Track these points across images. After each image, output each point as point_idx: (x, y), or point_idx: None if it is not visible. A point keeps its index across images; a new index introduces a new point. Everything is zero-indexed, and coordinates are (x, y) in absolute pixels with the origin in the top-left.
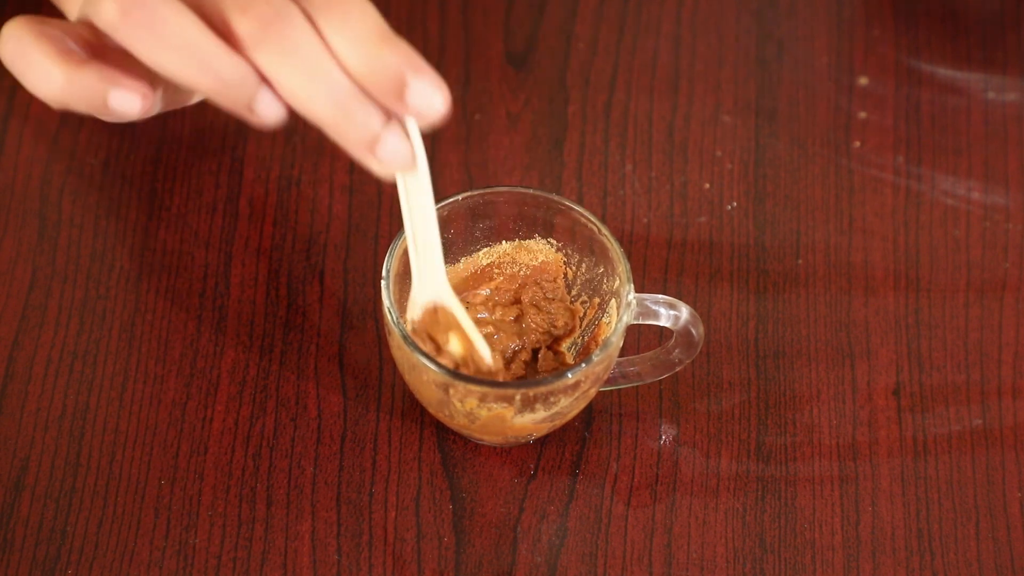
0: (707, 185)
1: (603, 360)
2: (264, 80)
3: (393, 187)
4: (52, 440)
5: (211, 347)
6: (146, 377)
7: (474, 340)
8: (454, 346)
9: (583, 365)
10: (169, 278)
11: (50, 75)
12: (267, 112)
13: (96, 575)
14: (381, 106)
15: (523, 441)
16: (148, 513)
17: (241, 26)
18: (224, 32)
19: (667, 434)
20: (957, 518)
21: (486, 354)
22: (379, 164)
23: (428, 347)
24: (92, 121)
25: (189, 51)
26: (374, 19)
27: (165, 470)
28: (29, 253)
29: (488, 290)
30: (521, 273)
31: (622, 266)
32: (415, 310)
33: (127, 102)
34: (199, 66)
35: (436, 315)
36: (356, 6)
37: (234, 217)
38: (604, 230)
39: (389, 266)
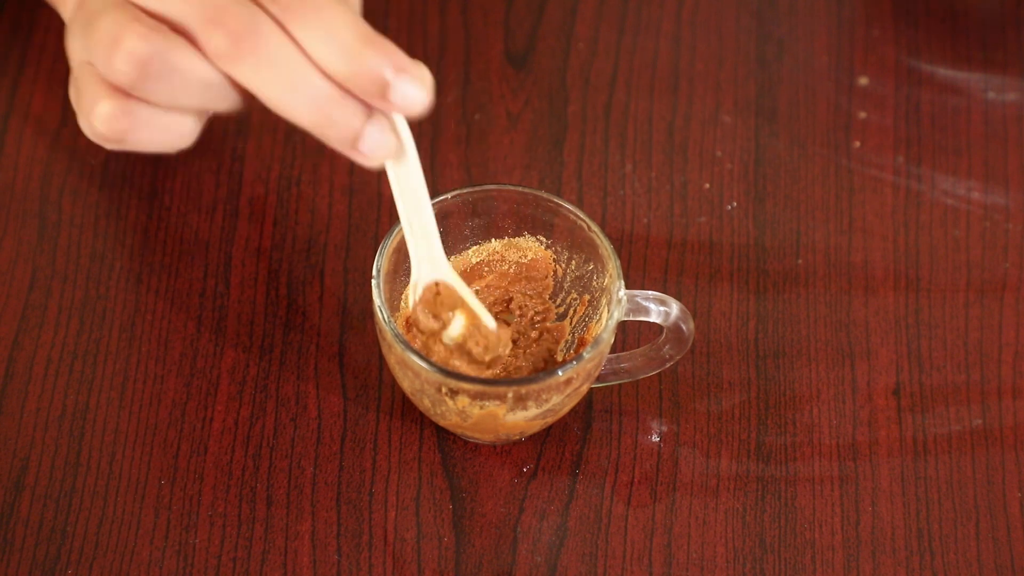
0: (707, 185)
1: (594, 357)
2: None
3: (391, 188)
4: (52, 440)
5: (211, 347)
6: (146, 377)
7: (477, 311)
8: (457, 323)
9: (574, 363)
10: (169, 278)
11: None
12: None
13: (96, 575)
14: (363, 102)
15: (515, 439)
16: (148, 513)
17: (213, 42)
18: (197, 49)
19: (667, 434)
20: (957, 518)
21: (490, 322)
22: (363, 158)
23: (432, 325)
24: None
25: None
26: (350, 20)
27: (165, 470)
28: (29, 253)
29: (478, 288)
30: (511, 271)
31: (612, 263)
32: (416, 291)
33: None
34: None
35: (438, 293)
36: (330, 9)
37: (234, 217)
38: (594, 227)
39: (380, 265)
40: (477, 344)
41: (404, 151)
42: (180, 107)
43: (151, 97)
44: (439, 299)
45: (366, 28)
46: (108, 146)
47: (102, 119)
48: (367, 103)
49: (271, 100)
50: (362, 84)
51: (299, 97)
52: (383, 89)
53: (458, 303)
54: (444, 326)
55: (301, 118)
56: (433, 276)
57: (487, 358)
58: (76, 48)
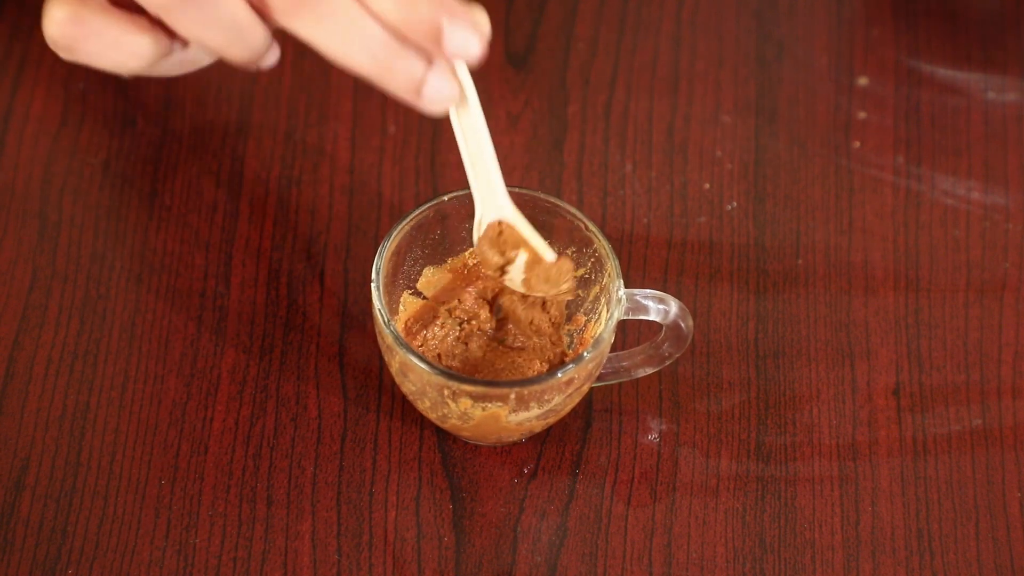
0: (707, 185)
1: (595, 357)
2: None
3: (391, 188)
4: (52, 440)
5: (211, 347)
6: (146, 377)
7: (538, 248)
8: (520, 261)
9: (575, 363)
10: (169, 278)
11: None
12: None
13: (96, 575)
14: (423, 49)
15: (515, 441)
16: (148, 513)
17: None
18: (257, 4)
19: (667, 434)
20: (957, 518)
21: (550, 256)
22: (427, 105)
23: (497, 260)
24: (92, 121)
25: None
26: None
27: (165, 470)
28: (29, 253)
29: (475, 290)
30: None
31: (611, 262)
32: (480, 228)
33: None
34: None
35: (501, 232)
36: None
37: (234, 217)
38: (592, 227)
39: (379, 267)
40: (538, 277)
41: (466, 96)
42: (197, 43)
43: (176, 24)
44: (502, 238)
45: None
46: (62, 55)
47: (54, 22)
48: (427, 52)
49: (332, 52)
50: (417, 31)
51: (359, 48)
52: (436, 35)
53: (520, 242)
54: (508, 261)
55: (362, 68)
56: (496, 215)
57: (551, 292)
58: None
